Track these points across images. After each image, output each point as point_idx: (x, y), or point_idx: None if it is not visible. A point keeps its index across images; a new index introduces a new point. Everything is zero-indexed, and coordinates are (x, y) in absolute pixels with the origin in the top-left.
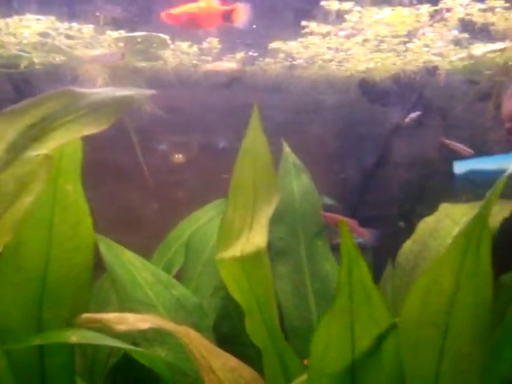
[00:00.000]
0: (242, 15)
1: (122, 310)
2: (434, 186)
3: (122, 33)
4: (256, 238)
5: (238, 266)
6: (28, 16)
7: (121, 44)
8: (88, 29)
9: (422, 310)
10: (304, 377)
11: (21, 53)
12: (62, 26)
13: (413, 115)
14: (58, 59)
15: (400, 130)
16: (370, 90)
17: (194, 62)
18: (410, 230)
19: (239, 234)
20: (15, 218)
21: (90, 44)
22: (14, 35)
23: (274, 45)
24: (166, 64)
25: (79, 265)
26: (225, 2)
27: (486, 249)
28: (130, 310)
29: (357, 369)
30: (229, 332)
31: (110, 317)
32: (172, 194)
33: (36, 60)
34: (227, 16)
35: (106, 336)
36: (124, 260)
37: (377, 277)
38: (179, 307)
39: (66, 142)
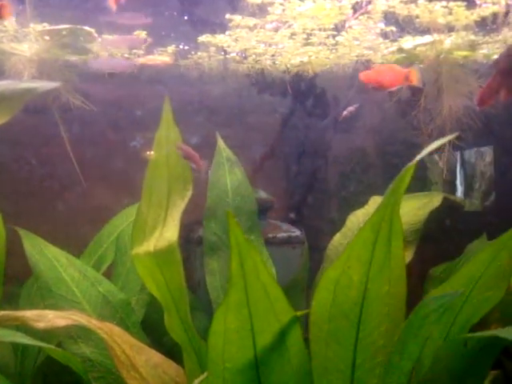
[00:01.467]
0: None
1: (46, 307)
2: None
3: (46, 26)
4: (168, 232)
5: (152, 260)
6: None
7: (46, 37)
8: (11, 21)
9: (333, 303)
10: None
11: None
12: None
13: (351, 108)
14: None
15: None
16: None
17: (126, 55)
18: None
19: (153, 229)
20: None
21: (15, 38)
22: None
23: (203, 38)
24: (97, 57)
25: None
26: None
27: (397, 241)
28: (54, 308)
29: (261, 363)
30: (157, 328)
31: (28, 314)
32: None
33: None
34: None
35: (24, 334)
36: (49, 256)
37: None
38: (105, 304)
39: None
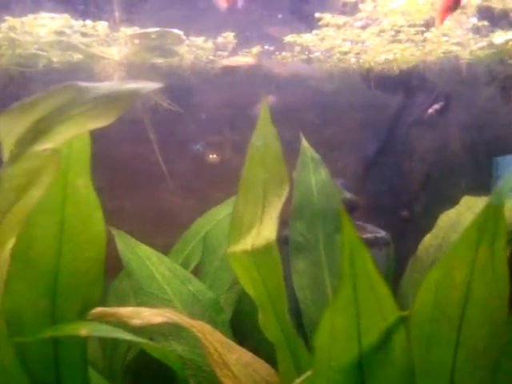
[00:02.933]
0: None
1: (138, 304)
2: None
3: (137, 29)
4: (266, 231)
5: (249, 259)
6: (42, 14)
7: (136, 41)
8: (102, 26)
9: (435, 304)
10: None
11: (39, 52)
12: (77, 23)
13: (436, 106)
14: (75, 57)
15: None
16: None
17: (211, 57)
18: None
19: (250, 228)
20: (23, 212)
21: (106, 42)
22: (31, 34)
23: (289, 38)
24: (183, 60)
25: (91, 259)
26: None
27: (500, 241)
28: (146, 305)
29: (365, 363)
30: (245, 327)
31: (124, 311)
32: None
33: (54, 59)
34: None
35: (119, 330)
36: (140, 255)
37: (400, 272)
38: (195, 302)
39: (72, 136)
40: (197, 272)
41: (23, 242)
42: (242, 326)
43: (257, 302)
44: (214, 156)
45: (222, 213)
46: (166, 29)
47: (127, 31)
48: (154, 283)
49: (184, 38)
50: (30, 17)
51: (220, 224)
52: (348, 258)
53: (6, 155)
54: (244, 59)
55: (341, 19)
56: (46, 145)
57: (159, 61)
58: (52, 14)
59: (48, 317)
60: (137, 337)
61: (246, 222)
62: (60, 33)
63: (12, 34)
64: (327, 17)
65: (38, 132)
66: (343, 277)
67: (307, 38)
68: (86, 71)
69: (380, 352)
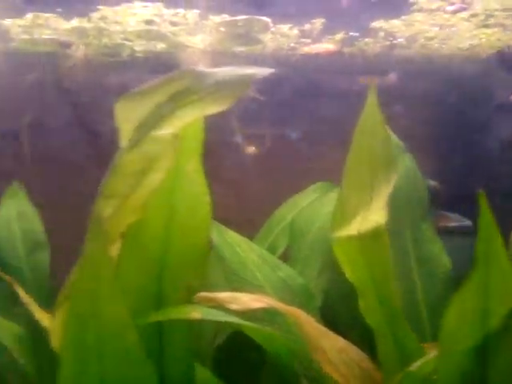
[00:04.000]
0: None
1: (232, 290)
2: None
3: (226, 17)
4: (374, 215)
5: (355, 244)
6: (136, 3)
7: (222, 29)
8: (193, 14)
9: None
10: (433, 353)
11: (124, 41)
12: (169, 12)
13: None
14: (158, 47)
15: None
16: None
17: (292, 44)
18: None
19: (356, 213)
20: (143, 196)
21: (193, 30)
22: (120, 24)
23: (375, 24)
24: (265, 48)
25: (197, 245)
26: None
27: None
28: (239, 291)
29: (489, 347)
30: (333, 314)
31: (223, 296)
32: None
33: (137, 48)
34: None
35: (228, 314)
36: (230, 241)
37: None
38: (285, 288)
39: (190, 120)
40: (284, 259)
41: (135, 227)
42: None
43: (358, 287)
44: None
45: (304, 199)
46: (255, 16)
47: (216, 19)
48: (246, 269)
49: (271, 25)
50: (124, 6)
51: (305, 211)
52: (484, 241)
53: (123, 141)
54: (325, 46)
55: (434, 3)
56: (165, 130)
57: (241, 49)
58: (146, 3)
59: (155, 302)
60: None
61: (351, 206)
62: (149, 22)
63: (102, 24)
64: (421, 1)
65: (157, 117)
66: (478, 259)
67: (394, 24)
68: (168, 60)
69: (505, 336)
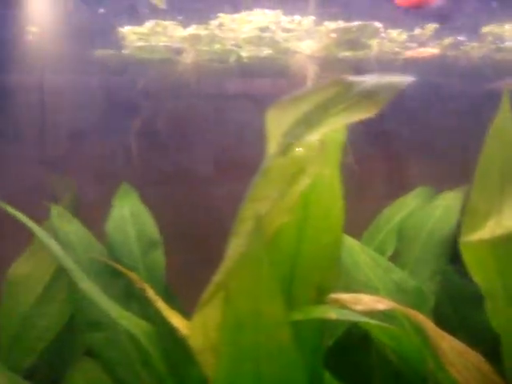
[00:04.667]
0: None
1: (347, 291)
2: None
3: (341, 23)
4: (507, 221)
5: (487, 248)
6: (256, 11)
7: (333, 35)
8: (308, 21)
9: None
10: None
11: (233, 48)
12: (286, 19)
13: None
14: (265, 53)
15: None
16: None
17: (397, 49)
18: None
19: (487, 218)
20: (292, 200)
21: (304, 36)
22: (234, 31)
23: (486, 28)
24: (370, 52)
25: (329, 245)
26: None
27: None
28: (354, 292)
29: None
30: (442, 316)
31: (346, 297)
32: None
33: (244, 54)
34: None
35: (359, 315)
36: (345, 243)
37: None
38: (399, 290)
39: (338, 127)
40: (391, 261)
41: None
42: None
43: (486, 290)
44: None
45: (410, 203)
46: (368, 22)
47: (331, 25)
48: (361, 271)
49: (382, 30)
50: (243, 13)
51: (414, 215)
52: None
53: (271, 146)
54: (429, 50)
55: None
56: (314, 136)
57: (346, 54)
58: (265, 10)
59: (285, 299)
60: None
61: (482, 211)
62: (264, 28)
63: (217, 31)
64: None
65: (307, 124)
66: None
67: (507, 28)
68: (273, 65)
69: None
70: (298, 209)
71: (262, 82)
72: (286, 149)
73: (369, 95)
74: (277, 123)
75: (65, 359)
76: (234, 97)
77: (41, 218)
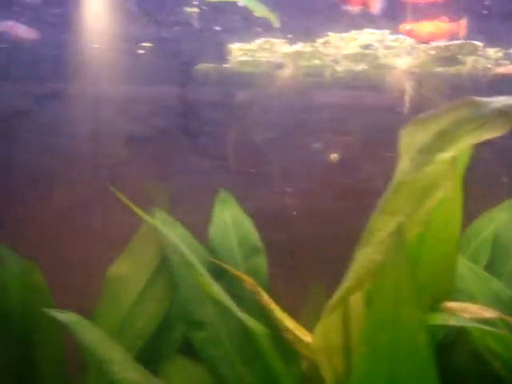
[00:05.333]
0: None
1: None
2: None
3: (442, 41)
4: None
5: None
6: (365, 30)
7: (432, 52)
8: (409, 40)
9: None
10: None
11: (331, 63)
12: (391, 37)
13: None
14: (360, 67)
15: None
16: None
17: (489, 65)
18: None
19: None
20: (425, 213)
21: (402, 53)
22: (338, 48)
23: None
24: (461, 69)
25: (446, 255)
26: None
27: None
28: (454, 300)
29: None
30: None
31: (455, 306)
32: None
33: (339, 69)
34: None
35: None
36: None
37: None
38: (497, 300)
39: (470, 145)
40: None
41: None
42: None
43: None
44: None
45: (499, 215)
46: (468, 41)
47: (432, 43)
48: (461, 281)
49: (480, 49)
50: (353, 32)
51: (508, 228)
52: None
53: (403, 161)
54: None
55: None
56: (448, 153)
57: (439, 69)
58: (373, 30)
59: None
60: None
61: None
62: (366, 46)
63: (320, 48)
64: None
65: (440, 142)
66: None
67: None
68: (366, 79)
69: None
70: None
71: (355, 94)
72: (420, 164)
73: (498, 115)
74: (411, 140)
75: (159, 357)
76: (324, 107)
77: None
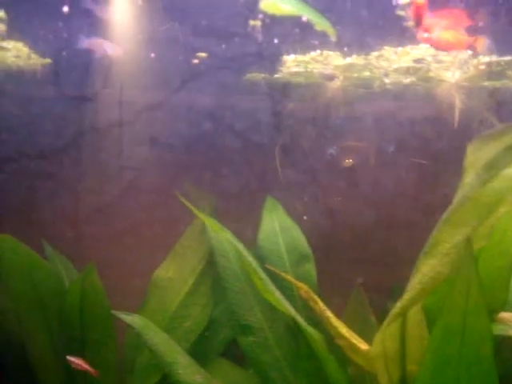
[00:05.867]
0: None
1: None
2: None
3: (494, 57)
4: None
5: None
6: (421, 45)
7: (482, 67)
8: (464, 54)
9: None
10: None
11: (381, 76)
12: (443, 53)
13: None
14: (408, 80)
15: None
16: None
17: None
18: None
19: None
20: (490, 226)
21: (452, 67)
22: (390, 61)
23: None
24: (507, 83)
25: (501, 269)
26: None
27: None
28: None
29: None
30: None
31: (508, 316)
32: None
33: (387, 81)
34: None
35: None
36: None
37: None
38: None
39: None
40: None
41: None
42: None
43: None
44: None
45: None
46: None
47: (484, 59)
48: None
49: None
50: (408, 47)
51: None
52: None
53: (468, 175)
54: None
55: None
56: None
57: (486, 84)
58: (426, 45)
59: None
60: None
61: None
62: (418, 60)
63: (373, 61)
64: None
65: (506, 158)
66: None
67: None
68: (414, 91)
69: None
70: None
71: (403, 105)
72: (485, 180)
73: None
74: (477, 155)
75: (204, 359)
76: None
77: None
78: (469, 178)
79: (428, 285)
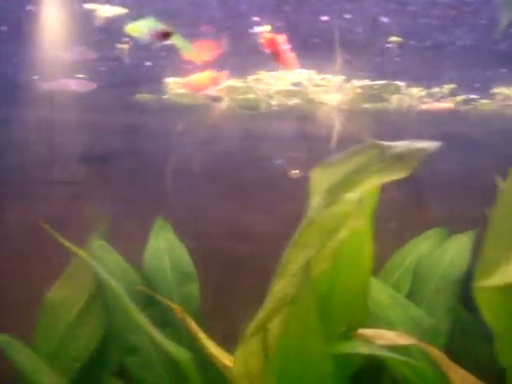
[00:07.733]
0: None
1: (366, 327)
2: None
3: (367, 81)
4: None
5: (497, 294)
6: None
7: (358, 90)
8: (338, 79)
9: None
10: None
11: (264, 97)
12: (318, 77)
13: None
14: (292, 102)
15: None
16: None
17: (414, 103)
18: None
19: (497, 267)
20: (332, 248)
21: (331, 90)
22: (269, 84)
23: (497, 90)
24: (388, 106)
25: (358, 287)
26: None
27: None
28: (376, 327)
29: None
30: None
31: (370, 332)
32: None
33: (273, 102)
34: None
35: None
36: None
37: None
38: (416, 326)
39: (373, 187)
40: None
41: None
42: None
43: (496, 330)
44: None
45: (422, 244)
46: (391, 81)
47: (357, 83)
48: (379, 309)
49: (403, 88)
50: (281, 71)
51: (427, 258)
52: None
53: (314, 199)
54: (442, 105)
55: None
56: (354, 194)
57: (367, 106)
58: (301, 70)
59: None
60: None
61: (493, 260)
62: (296, 83)
63: (251, 84)
64: None
65: (347, 183)
66: None
67: None
68: (299, 112)
69: None
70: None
71: (287, 126)
72: (328, 203)
73: (400, 159)
74: (321, 180)
75: (96, 380)
76: (260, 138)
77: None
78: (314, 201)
79: (279, 305)
